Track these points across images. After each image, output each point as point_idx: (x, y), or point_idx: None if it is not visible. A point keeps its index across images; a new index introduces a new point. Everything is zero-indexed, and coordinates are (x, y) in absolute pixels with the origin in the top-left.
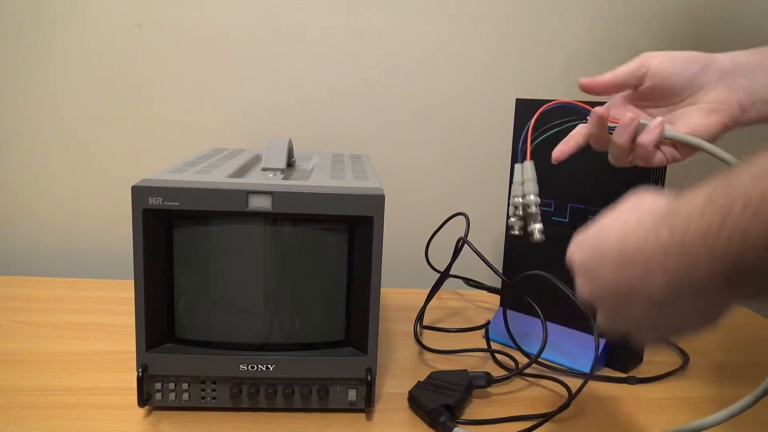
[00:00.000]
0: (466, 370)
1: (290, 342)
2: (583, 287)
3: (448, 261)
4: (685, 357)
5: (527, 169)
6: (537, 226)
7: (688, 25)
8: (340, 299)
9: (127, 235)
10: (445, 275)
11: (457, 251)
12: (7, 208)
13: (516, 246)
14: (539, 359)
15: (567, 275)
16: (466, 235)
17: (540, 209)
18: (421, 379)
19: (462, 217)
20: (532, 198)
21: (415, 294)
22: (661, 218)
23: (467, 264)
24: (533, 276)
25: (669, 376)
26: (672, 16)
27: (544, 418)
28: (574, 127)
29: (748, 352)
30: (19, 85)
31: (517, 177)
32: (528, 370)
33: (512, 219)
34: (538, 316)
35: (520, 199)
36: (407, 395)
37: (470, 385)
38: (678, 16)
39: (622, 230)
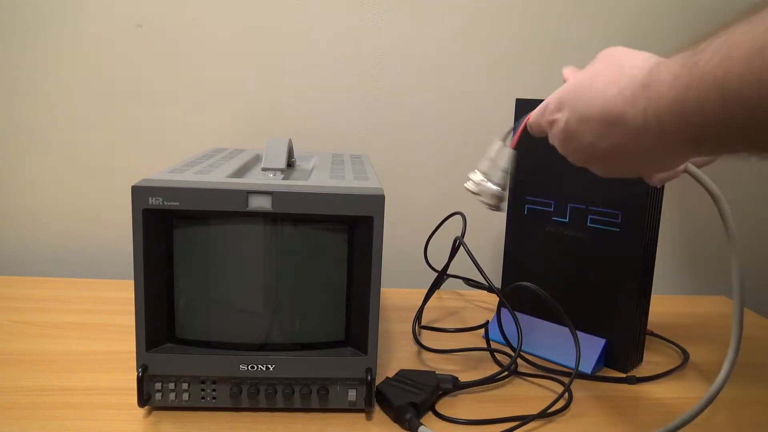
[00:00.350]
0: (434, 372)
1: (290, 342)
2: (565, 146)
3: (446, 260)
4: (685, 357)
5: (504, 157)
6: (487, 201)
7: (688, 22)
8: (340, 299)
9: (127, 235)
10: (442, 275)
11: (454, 251)
12: (8, 208)
13: (516, 246)
14: (539, 359)
15: (565, 277)
16: (463, 235)
17: (493, 198)
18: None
19: (460, 217)
20: (492, 188)
21: (415, 294)
22: (638, 90)
23: (467, 264)
24: (532, 275)
25: (669, 375)
26: (673, 15)
27: (540, 416)
28: None
29: (748, 352)
30: (19, 85)
31: (491, 153)
32: (527, 370)
33: (469, 183)
34: (538, 316)
35: (480, 177)
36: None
37: (437, 386)
38: (678, 15)
39: (605, 100)
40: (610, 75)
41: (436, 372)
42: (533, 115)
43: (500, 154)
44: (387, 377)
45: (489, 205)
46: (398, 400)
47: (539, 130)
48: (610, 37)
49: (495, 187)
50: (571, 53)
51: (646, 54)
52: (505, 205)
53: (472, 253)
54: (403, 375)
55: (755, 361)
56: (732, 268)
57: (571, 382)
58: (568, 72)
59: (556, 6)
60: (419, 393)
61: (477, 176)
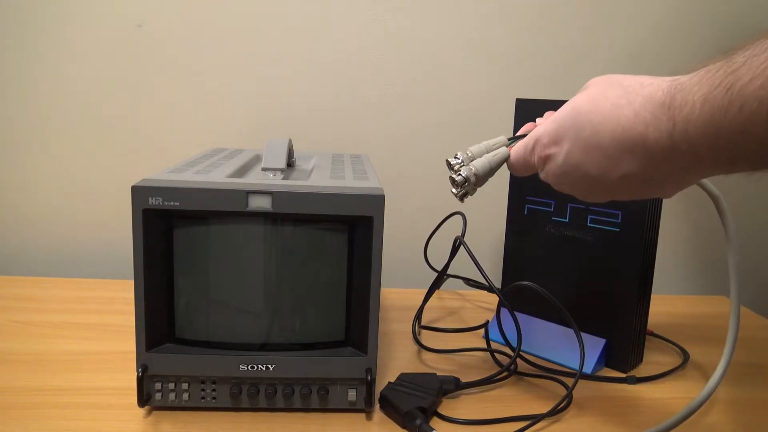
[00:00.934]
0: (435, 374)
1: (290, 342)
2: (562, 180)
3: (447, 261)
4: (686, 356)
5: (498, 154)
6: (456, 180)
7: (688, 23)
8: (340, 299)
9: (127, 235)
10: (442, 275)
11: (454, 251)
12: (8, 208)
13: (516, 246)
14: (541, 359)
15: (565, 277)
16: (463, 234)
17: (468, 184)
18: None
19: (460, 217)
20: (466, 173)
21: (415, 294)
22: (660, 110)
23: (467, 264)
24: (532, 275)
25: (669, 375)
26: (671, 15)
27: (543, 416)
28: None
29: (748, 352)
30: (18, 85)
31: (489, 143)
32: (528, 370)
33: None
34: (538, 316)
35: (461, 160)
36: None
37: (440, 388)
38: (678, 15)
39: (617, 123)
40: (616, 96)
41: (437, 374)
42: (516, 154)
43: (497, 150)
44: (389, 382)
45: (454, 189)
46: (406, 405)
47: (525, 168)
48: (609, 36)
49: (468, 174)
50: (572, 53)
51: (644, 76)
52: (466, 197)
53: (472, 253)
54: (404, 379)
55: (755, 361)
56: (730, 267)
57: (576, 383)
58: (549, 113)
59: (557, 6)
60: (425, 396)
61: (460, 157)
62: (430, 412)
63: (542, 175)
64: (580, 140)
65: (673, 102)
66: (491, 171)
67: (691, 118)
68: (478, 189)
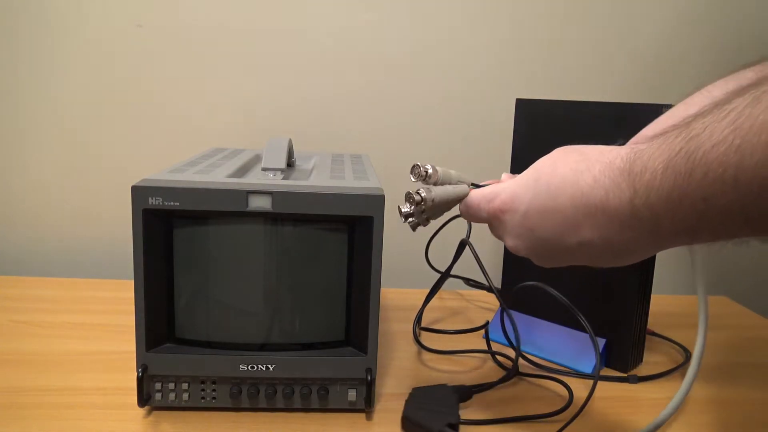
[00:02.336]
0: (446, 385)
1: (290, 342)
2: (518, 243)
3: (447, 261)
4: (686, 356)
5: (459, 189)
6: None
7: (688, 24)
8: (340, 299)
9: (127, 235)
10: (445, 276)
11: (458, 253)
12: (7, 208)
13: None
14: (541, 360)
15: (565, 277)
16: (468, 236)
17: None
18: (420, 385)
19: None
20: (431, 194)
21: (415, 294)
22: (619, 176)
23: (468, 264)
24: (532, 275)
25: (669, 374)
26: (670, 16)
27: (547, 418)
28: None
29: (748, 352)
30: (18, 85)
31: (454, 176)
32: (529, 371)
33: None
34: (541, 317)
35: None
36: (401, 417)
37: (458, 400)
38: (678, 15)
39: (577, 188)
40: (575, 162)
41: (447, 384)
42: (473, 197)
43: (459, 185)
44: (406, 401)
45: (405, 209)
46: (435, 424)
47: (477, 213)
48: (609, 36)
49: (426, 196)
50: (571, 53)
51: (605, 146)
52: (417, 228)
53: (478, 255)
54: (419, 395)
55: (755, 361)
56: (696, 262)
57: (594, 385)
58: (507, 176)
59: (557, 6)
60: (449, 412)
61: (429, 168)
62: (457, 426)
63: (493, 230)
64: (537, 203)
65: (632, 168)
66: (447, 203)
67: (653, 184)
68: (429, 223)
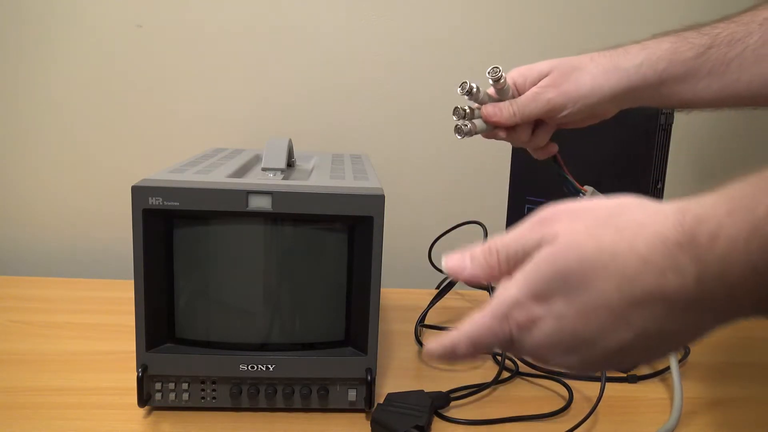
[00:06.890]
0: (422, 391)
1: (290, 342)
2: (554, 350)
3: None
4: (686, 354)
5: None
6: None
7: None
8: (340, 299)
9: (127, 235)
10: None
11: None
12: (7, 208)
13: None
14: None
15: None
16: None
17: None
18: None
19: (465, 214)
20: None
21: (416, 294)
22: (677, 251)
23: None
24: None
25: (669, 372)
26: (670, 16)
27: (547, 418)
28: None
29: (748, 352)
30: (19, 85)
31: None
32: (529, 371)
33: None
34: None
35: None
36: (370, 418)
37: (432, 404)
38: (678, 16)
39: (622, 276)
40: (610, 238)
41: (425, 390)
42: (480, 326)
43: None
44: (378, 404)
45: (460, 122)
46: (402, 425)
47: (492, 339)
48: (609, 36)
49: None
50: (572, 53)
51: (632, 208)
52: (462, 133)
53: None
54: (393, 399)
55: (755, 361)
56: None
57: (603, 387)
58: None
59: (557, 6)
60: (420, 414)
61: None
62: (428, 429)
63: (517, 350)
64: (575, 303)
65: (694, 240)
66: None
67: (733, 255)
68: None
